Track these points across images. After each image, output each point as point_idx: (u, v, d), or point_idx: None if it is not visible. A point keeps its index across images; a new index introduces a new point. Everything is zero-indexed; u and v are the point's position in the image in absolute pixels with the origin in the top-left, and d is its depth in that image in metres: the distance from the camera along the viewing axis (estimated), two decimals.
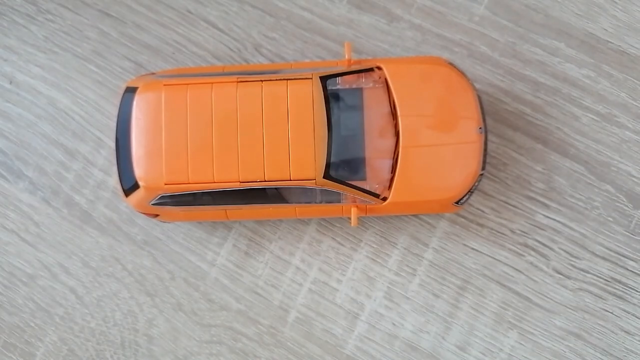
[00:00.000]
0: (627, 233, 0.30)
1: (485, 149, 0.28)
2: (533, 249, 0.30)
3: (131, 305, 0.32)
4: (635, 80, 0.31)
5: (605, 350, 0.30)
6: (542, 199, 0.31)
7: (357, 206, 0.28)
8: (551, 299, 0.30)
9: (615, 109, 0.31)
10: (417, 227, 0.31)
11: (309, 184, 0.27)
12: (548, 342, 0.30)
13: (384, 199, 0.28)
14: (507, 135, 0.31)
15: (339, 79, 0.29)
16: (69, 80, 0.33)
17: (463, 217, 0.31)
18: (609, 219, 0.30)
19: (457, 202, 0.28)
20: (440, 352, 0.30)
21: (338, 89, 0.29)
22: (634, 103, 0.31)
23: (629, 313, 0.30)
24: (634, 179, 0.31)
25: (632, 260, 0.30)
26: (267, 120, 0.28)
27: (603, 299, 0.30)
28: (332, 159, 0.28)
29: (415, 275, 0.31)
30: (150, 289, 0.32)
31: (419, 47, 0.32)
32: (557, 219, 0.30)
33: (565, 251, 0.30)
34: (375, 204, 0.28)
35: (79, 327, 0.32)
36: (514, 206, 0.31)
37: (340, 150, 0.28)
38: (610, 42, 0.31)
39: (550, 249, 0.30)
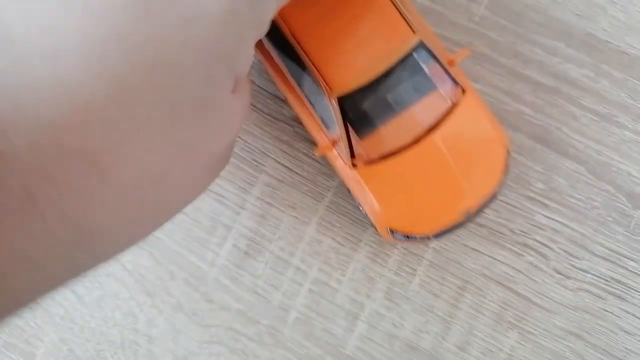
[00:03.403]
0: (627, 233, 0.30)
1: None
2: (533, 249, 0.30)
3: (131, 305, 0.32)
4: (635, 80, 0.31)
5: (605, 350, 0.30)
6: (541, 199, 0.31)
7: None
8: (551, 299, 0.30)
9: (615, 109, 0.31)
10: None
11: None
12: (548, 342, 0.30)
13: None
14: (506, 135, 0.31)
15: (428, 62, 0.26)
16: None
17: None
18: (609, 219, 0.30)
19: None
20: (440, 352, 0.30)
21: (421, 65, 0.26)
22: (634, 103, 0.31)
23: (628, 313, 0.30)
24: (633, 179, 0.31)
25: (632, 260, 0.30)
26: None
27: (603, 299, 0.30)
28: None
29: (415, 275, 0.31)
30: (150, 289, 0.32)
31: None
32: (557, 218, 0.30)
33: (565, 251, 0.30)
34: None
35: (78, 327, 0.32)
36: (513, 206, 0.31)
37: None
38: (610, 42, 0.31)
39: (550, 248, 0.30)
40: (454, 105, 0.26)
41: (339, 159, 0.27)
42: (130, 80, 0.16)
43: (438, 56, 0.26)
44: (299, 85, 0.27)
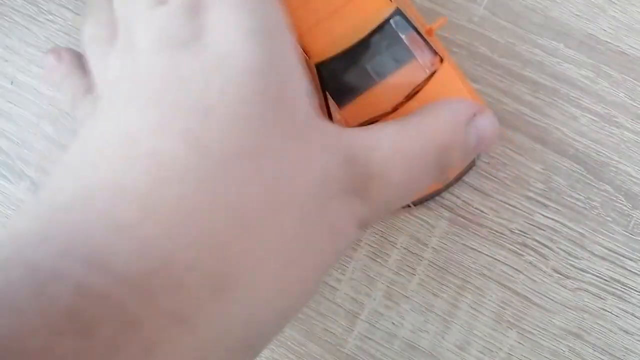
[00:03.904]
0: (626, 233, 0.30)
1: None
2: (532, 249, 0.30)
3: None
4: (634, 81, 0.31)
5: (604, 350, 0.30)
6: (541, 199, 0.31)
7: None
8: (550, 299, 0.30)
9: (614, 109, 0.31)
10: (416, 227, 0.31)
11: None
12: (547, 341, 0.30)
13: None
14: (506, 135, 0.31)
15: (406, 31, 0.26)
16: None
17: (462, 217, 0.31)
18: (608, 218, 0.30)
19: None
20: (440, 351, 0.30)
21: (399, 34, 0.26)
22: (633, 103, 0.31)
23: (628, 312, 0.30)
24: (633, 179, 0.31)
25: (631, 260, 0.30)
26: None
27: (602, 298, 0.30)
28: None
29: (414, 274, 0.31)
30: None
31: None
32: (556, 218, 0.31)
33: (564, 251, 0.30)
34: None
35: None
36: (513, 206, 0.31)
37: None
38: (609, 43, 0.31)
39: (549, 248, 0.30)
40: (431, 74, 0.27)
41: None
42: None
43: (416, 25, 0.26)
44: None
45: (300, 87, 0.19)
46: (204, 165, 0.16)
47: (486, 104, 0.30)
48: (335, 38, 0.26)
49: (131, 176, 0.16)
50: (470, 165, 0.28)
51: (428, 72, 0.27)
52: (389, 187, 0.20)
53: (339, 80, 0.26)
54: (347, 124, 0.27)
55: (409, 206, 0.27)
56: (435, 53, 0.27)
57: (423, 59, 0.27)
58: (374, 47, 0.26)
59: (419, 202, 0.28)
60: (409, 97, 0.26)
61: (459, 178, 0.27)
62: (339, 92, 0.27)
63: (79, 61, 0.26)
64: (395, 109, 0.26)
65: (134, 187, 0.16)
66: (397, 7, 0.26)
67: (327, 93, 0.26)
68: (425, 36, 0.27)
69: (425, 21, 0.29)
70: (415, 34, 0.26)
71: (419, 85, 0.26)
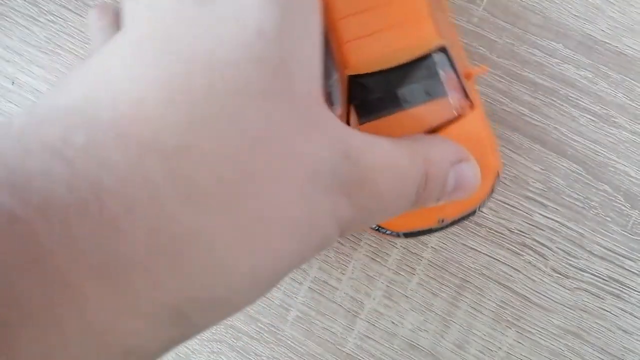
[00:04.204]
0: (624, 233, 0.30)
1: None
2: (531, 249, 0.31)
3: None
4: (633, 81, 0.31)
5: (603, 349, 0.30)
6: (540, 199, 0.31)
7: None
8: (549, 298, 0.30)
9: (613, 110, 0.31)
10: None
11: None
12: (546, 340, 0.30)
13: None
14: (505, 135, 0.31)
15: (445, 68, 0.26)
16: None
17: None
18: (607, 218, 0.31)
19: None
20: (439, 350, 0.30)
21: (438, 70, 0.26)
22: (631, 104, 0.31)
23: (626, 312, 0.30)
24: (631, 179, 0.31)
25: (630, 259, 0.30)
26: None
27: (601, 298, 0.30)
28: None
29: (414, 274, 0.31)
30: None
31: None
32: (555, 218, 0.31)
33: (563, 250, 0.30)
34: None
35: None
36: (512, 206, 0.31)
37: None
38: (608, 44, 0.31)
39: (548, 248, 0.31)
40: (458, 117, 0.27)
41: None
42: None
43: (457, 65, 0.26)
44: None
45: (311, 67, 0.18)
46: (183, 112, 0.15)
47: (484, 105, 0.30)
48: (376, 56, 0.26)
49: (103, 108, 0.15)
50: (471, 213, 0.27)
51: (455, 114, 0.26)
52: (374, 195, 0.19)
53: (366, 97, 0.26)
54: None
55: (398, 236, 0.27)
56: (468, 98, 0.27)
57: (454, 100, 0.26)
58: (410, 75, 0.26)
59: (411, 235, 0.27)
60: (429, 132, 0.26)
61: (457, 222, 0.27)
62: (363, 108, 0.26)
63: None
64: None
65: (94, 116, 0.14)
66: (444, 45, 0.26)
67: (351, 106, 0.26)
68: (463, 79, 0.26)
69: (469, 63, 0.28)
70: (453, 74, 0.26)
71: (442, 124, 0.26)
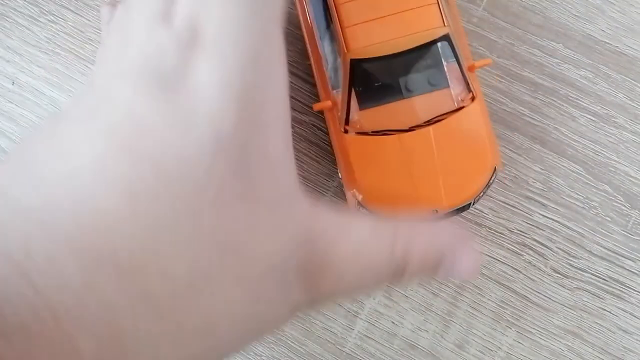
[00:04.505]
0: (624, 232, 0.30)
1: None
2: (531, 249, 0.31)
3: None
4: (633, 81, 0.31)
5: (603, 349, 0.30)
6: (540, 199, 0.31)
7: None
8: (549, 298, 0.30)
9: (613, 110, 0.31)
10: None
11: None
12: (546, 340, 0.30)
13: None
14: (505, 135, 0.31)
15: (449, 59, 0.26)
16: (71, 81, 0.33)
17: (461, 216, 0.31)
18: (607, 218, 0.31)
19: None
20: (439, 350, 0.30)
21: (441, 59, 0.26)
22: (632, 104, 0.31)
23: (626, 312, 0.30)
24: (631, 179, 0.31)
25: (630, 259, 0.30)
26: None
27: (601, 298, 0.30)
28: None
29: None
30: None
31: None
32: (555, 218, 0.31)
33: (563, 250, 0.30)
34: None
35: None
36: (512, 206, 0.31)
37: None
38: (608, 44, 0.31)
39: (548, 248, 0.31)
40: (459, 108, 0.26)
41: (334, 121, 0.28)
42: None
43: (460, 56, 0.26)
44: (320, 36, 0.27)
45: (276, 156, 0.18)
46: (141, 223, 0.15)
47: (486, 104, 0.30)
48: (380, 41, 0.25)
49: (64, 217, 0.15)
50: (466, 206, 0.27)
51: (456, 106, 0.26)
52: (336, 285, 0.19)
53: (368, 82, 0.26)
54: (362, 127, 0.27)
55: None
56: (470, 90, 0.27)
57: (456, 91, 0.26)
58: (413, 63, 0.26)
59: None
60: (429, 122, 0.26)
61: (451, 214, 0.27)
62: (364, 94, 0.26)
63: None
64: (411, 130, 0.26)
65: (54, 225, 0.15)
66: (449, 33, 0.26)
67: (352, 90, 0.26)
68: (466, 71, 0.27)
69: (472, 55, 0.28)
70: (456, 65, 0.26)
71: (443, 114, 0.26)
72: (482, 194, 0.27)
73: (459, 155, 0.26)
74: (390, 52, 0.26)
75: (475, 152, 0.26)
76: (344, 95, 0.26)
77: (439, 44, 0.26)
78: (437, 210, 0.26)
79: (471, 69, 0.27)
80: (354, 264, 0.18)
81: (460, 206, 0.27)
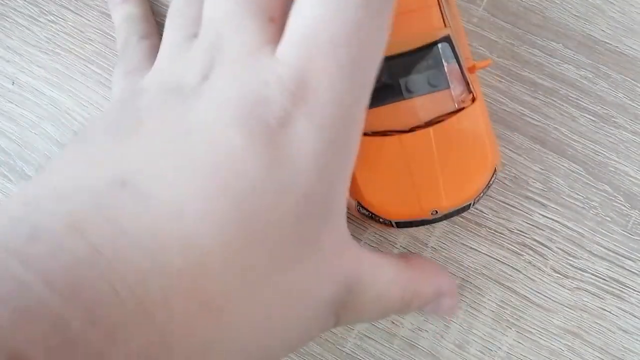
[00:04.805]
0: (624, 232, 0.30)
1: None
2: (531, 249, 0.31)
3: None
4: (633, 81, 0.31)
5: (603, 349, 0.30)
6: (540, 199, 0.31)
7: None
8: (549, 298, 0.30)
9: (613, 110, 0.31)
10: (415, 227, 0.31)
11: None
12: (546, 340, 0.30)
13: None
14: (505, 135, 0.31)
15: (449, 60, 0.26)
16: (71, 81, 0.34)
17: (461, 216, 0.31)
18: (607, 218, 0.31)
19: None
20: (439, 350, 0.30)
21: (442, 61, 0.26)
22: (632, 104, 0.31)
23: (627, 312, 0.30)
24: (631, 179, 0.31)
25: (630, 259, 0.30)
26: None
27: (601, 298, 0.30)
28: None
29: None
30: None
31: None
32: (555, 218, 0.31)
33: (563, 250, 0.30)
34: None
35: None
36: (512, 206, 0.31)
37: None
38: (608, 44, 0.31)
39: (548, 248, 0.31)
40: (459, 109, 0.27)
41: None
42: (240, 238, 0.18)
43: (461, 58, 0.26)
44: None
45: (339, 211, 0.21)
46: (231, 265, 0.17)
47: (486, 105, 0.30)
48: None
49: (175, 256, 0.17)
50: (466, 207, 0.28)
51: (457, 107, 0.27)
52: (355, 318, 0.23)
53: None
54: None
55: (391, 224, 0.27)
56: (470, 91, 0.27)
57: (456, 92, 0.26)
58: (413, 64, 0.26)
59: (403, 225, 0.28)
60: (430, 123, 0.26)
61: (450, 215, 0.28)
62: None
63: None
64: (411, 130, 0.26)
65: (166, 264, 0.16)
66: (449, 34, 0.26)
67: None
68: (466, 71, 0.27)
69: (472, 56, 0.28)
70: (457, 65, 0.26)
71: (443, 115, 0.26)
72: (482, 194, 0.27)
73: (459, 156, 0.26)
74: (391, 54, 0.26)
75: (476, 152, 0.26)
76: None
77: (439, 45, 0.26)
78: (437, 211, 0.26)
79: (472, 70, 0.27)
80: (375, 305, 0.22)
81: (460, 207, 0.27)
